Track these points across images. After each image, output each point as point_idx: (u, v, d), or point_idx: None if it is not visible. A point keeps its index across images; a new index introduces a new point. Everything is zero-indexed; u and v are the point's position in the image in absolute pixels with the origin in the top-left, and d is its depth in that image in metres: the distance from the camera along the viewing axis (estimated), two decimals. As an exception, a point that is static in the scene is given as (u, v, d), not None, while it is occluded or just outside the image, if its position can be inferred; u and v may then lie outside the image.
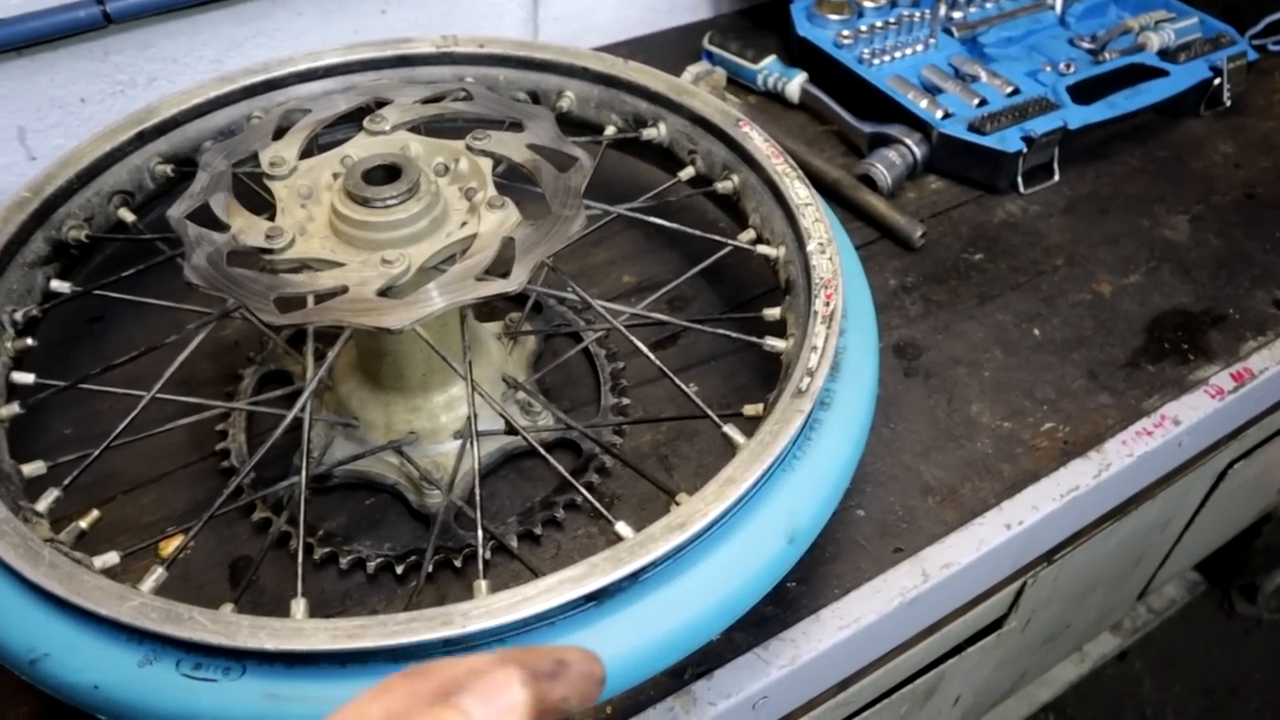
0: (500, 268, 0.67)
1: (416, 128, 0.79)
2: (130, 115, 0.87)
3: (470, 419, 0.70)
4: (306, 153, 0.76)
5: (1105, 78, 1.14)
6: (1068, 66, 1.15)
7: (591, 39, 1.31)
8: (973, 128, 1.07)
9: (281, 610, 0.60)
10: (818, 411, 0.68)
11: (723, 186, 0.87)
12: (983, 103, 1.11)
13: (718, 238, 0.83)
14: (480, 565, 0.64)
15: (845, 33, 1.18)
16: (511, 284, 0.65)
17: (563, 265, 0.96)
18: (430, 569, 0.73)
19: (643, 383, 0.88)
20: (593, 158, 0.75)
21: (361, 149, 0.75)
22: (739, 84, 1.22)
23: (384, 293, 0.65)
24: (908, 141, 1.07)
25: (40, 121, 1.06)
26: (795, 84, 1.17)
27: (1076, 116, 1.08)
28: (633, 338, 0.75)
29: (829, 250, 0.75)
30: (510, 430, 0.74)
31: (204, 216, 0.70)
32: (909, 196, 1.08)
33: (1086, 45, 1.19)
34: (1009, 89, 1.12)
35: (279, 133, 0.77)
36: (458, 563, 0.75)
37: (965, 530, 0.79)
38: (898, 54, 1.17)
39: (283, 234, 0.68)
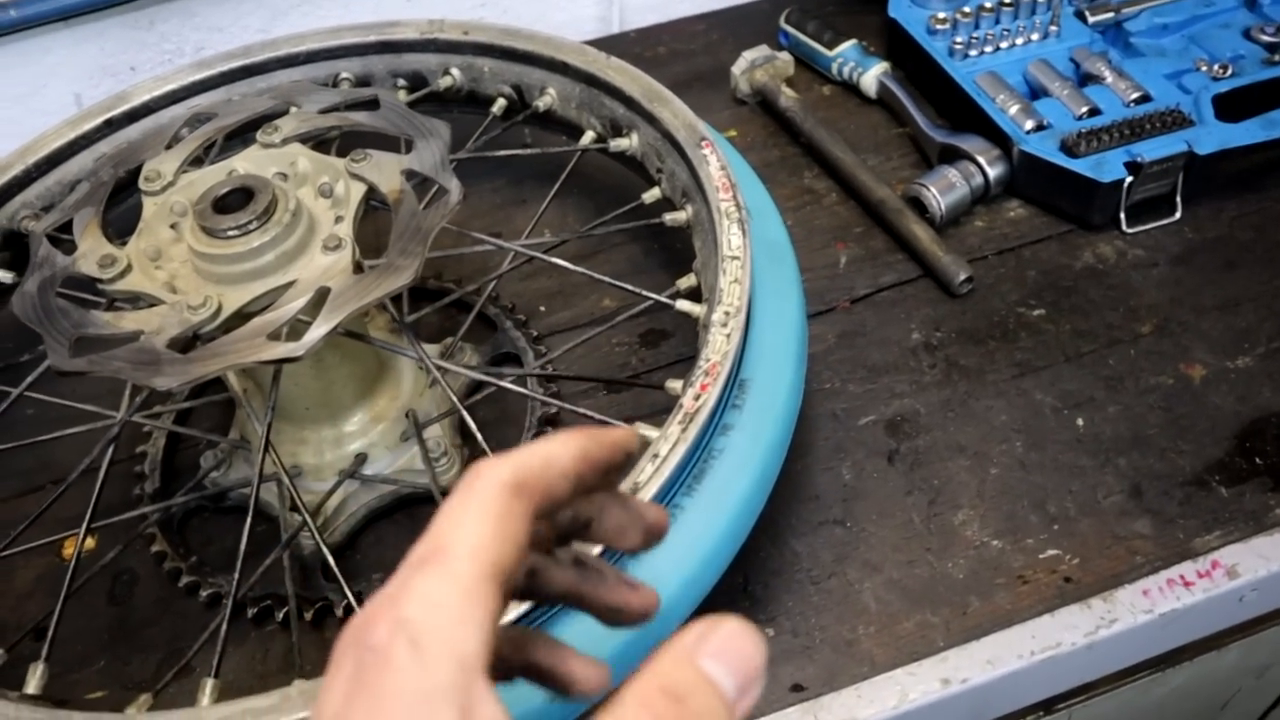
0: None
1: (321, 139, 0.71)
2: (101, 101, 0.86)
3: (437, 378, 0.64)
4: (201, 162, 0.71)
5: (1275, 85, 0.88)
6: (1223, 69, 0.89)
7: (678, 8, 1.17)
8: (1065, 146, 0.85)
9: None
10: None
11: (673, 218, 0.74)
12: (1093, 112, 0.88)
13: (638, 291, 0.70)
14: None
15: (943, 15, 0.97)
16: (298, 349, 0.57)
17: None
18: (280, 618, 0.69)
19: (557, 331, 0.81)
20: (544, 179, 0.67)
21: (250, 162, 0.69)
22: (814, 71, 1.05)
23: (187, 341, 0.59)
24: (980, 159, 0.87)
25: (95, 89, 1.08)
26: (871, 75, 0.99)
27: (1212, 138, 0.83)
28: (554, 259, 0.73)
29: (731, 324, 0.61)
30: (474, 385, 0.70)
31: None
32: (975, 225, 0.89)
33: (1267, 38, 0.92)
34: (1134, 95, 0.89)
35: (174, 142, 0.72)
36: (308, 615, 0.69)
37: (889, 678, 0.64)
38: (1004, 44, 0.95)
39: (115, 262, 0.63)
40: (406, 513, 0.75)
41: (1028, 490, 0.72)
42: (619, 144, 0.80)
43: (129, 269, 0.63)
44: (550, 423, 0.78)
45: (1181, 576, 0.67)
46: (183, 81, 0.86)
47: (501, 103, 0.87)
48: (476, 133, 0.85)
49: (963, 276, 0.82)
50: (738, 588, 0.68)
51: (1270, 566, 0.67)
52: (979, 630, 0.65)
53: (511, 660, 0.38)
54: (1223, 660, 0.80)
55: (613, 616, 0.41)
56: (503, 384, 0.68)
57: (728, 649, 0.32)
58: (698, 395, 0.58)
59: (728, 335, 0.60)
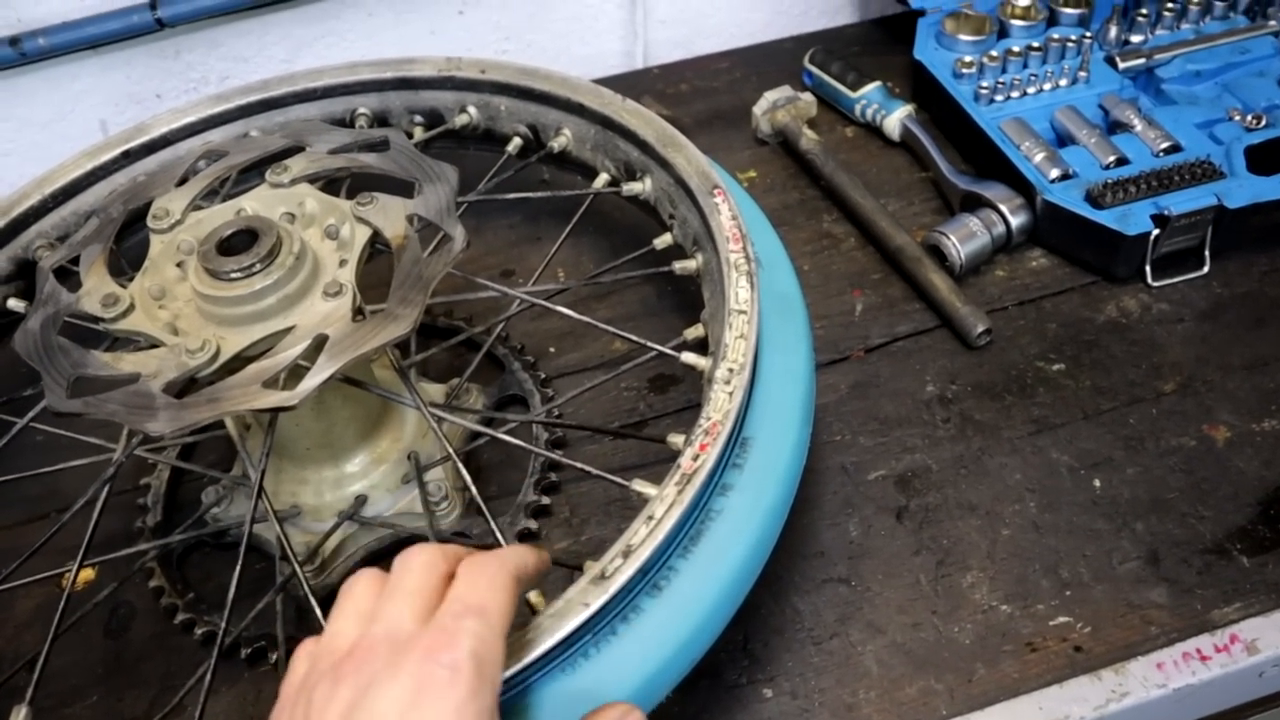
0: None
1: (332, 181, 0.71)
2: (120, 132, 0.86)
3: (436, 432, 0.64)
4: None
5: (1311, 138, 0.86)
6: (1256, 119, 0.87)
7: (703, 44, 1.17)
8: (1090, 196, 0.83)
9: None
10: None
11: (683, 267, 0.73)
12: (1120, 161, 0.86)
13: (642, 342, 0.69)
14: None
15: (969, 58, 0.96)
16: (292, 398, 0.56)
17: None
18: (274, 661, 0.68)
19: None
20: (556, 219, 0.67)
21: (258, 201, 0.69)
22: (837, 112, 1.03)
23: (184, 384, 0.59)
24: (1002, 208, 0.85)
25: (120, 115, 1.09)
26: (895, 119, 0.97)
27: (1243, 191, 0.81)
28: (558, 307, 0.72)
29: (734, 382, 0.59)
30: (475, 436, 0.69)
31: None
32: (996, 274, 0.87)
33: (1304, 89, 0.90)
34: (1164, 145, 0.86)
35: (185, 179, 0.72)
36: None
37: (888, 747, 0.62)
38: (1031, 89, 0.93)
39: (118, 301, 0.62)
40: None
41: (1040, 553, 0.69)
42: (632, 188, 0.79)
43: (131, 308, 0.63)
44: (553, 468, 0.76)
45: (1198, 650, 0.64)
46: (201, 114, 0.87)
47: (517, 142, 0.86)
48: (491, 171, 0.84)
49: (980, 328, 0.80)
50: (737, 645, 0.67)
51: (1294, 643, 0.64)
52: (984, 699, 0.63)
53: None
54: (1243, 734, 0.77)
55: None
56: (499, 435, 0.67)
57: None
58: (696, 455, 0.56)
59: (730, 393, 0.59)
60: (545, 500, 0.75)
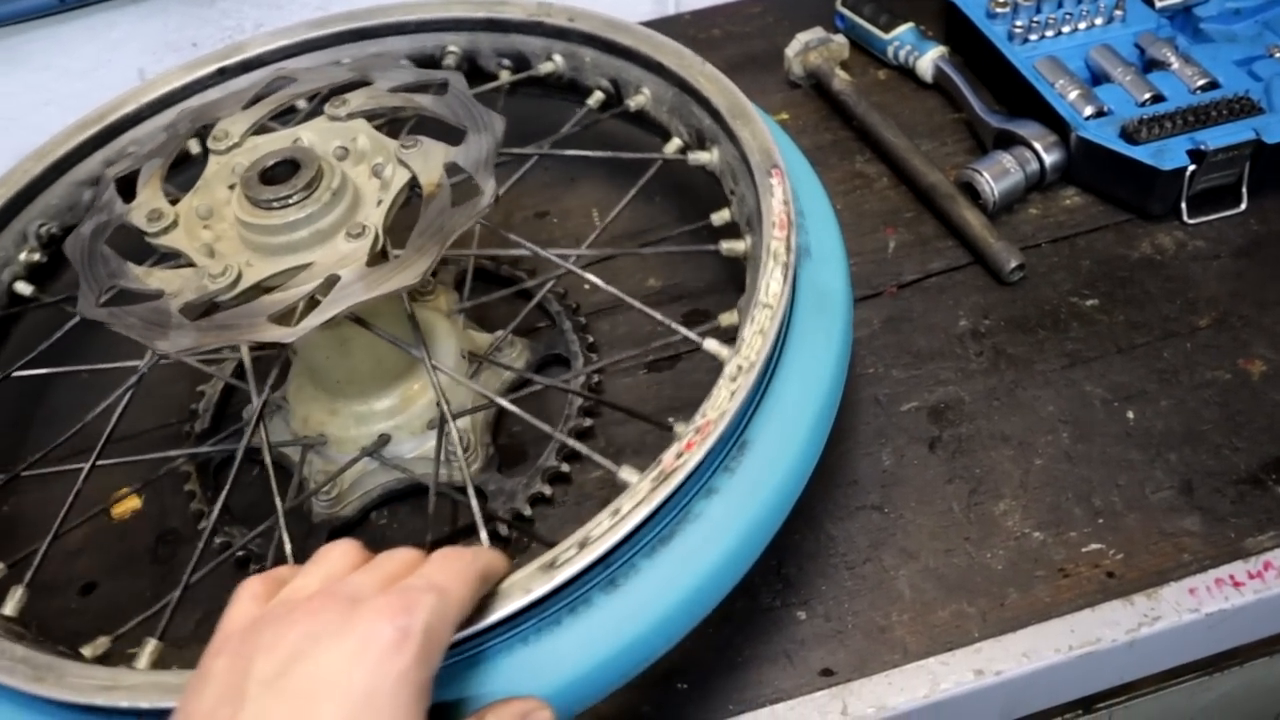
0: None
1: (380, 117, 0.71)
2: (217, 49, 0.88)
3: (440, 402, 0.66)
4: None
5: (1352, 73, 0.85)
6: (1296, 55, 0.86)
7: (739, -12, 1.16)
8: (1125, 133, 0.83)
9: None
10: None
11: (729, 248, 0.71)
12: (1156, 99, 0.85)
13: (667, 323, 0.66)
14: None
15: (1003, -1, 0.95)
16: (288, 335, 0.56)
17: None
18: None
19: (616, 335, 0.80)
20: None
21: (315, 133, 0.69)
22: (869, 54, 1.03)
23: (203, 307, 0.59)
24: (1036, 145, 0.85)
25: (157, 64, 1.10)
26: (927, 60, 0.97)
27: (1280, 127, 0.81)
28: (586, 274, 0.69)
29: (740, 381, 0.56)
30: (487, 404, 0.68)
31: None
32: (1029, 213, 0.87)
33: (1346, 25, 0.89)
34: (1201, 81, 0.86)
35: (254, 101, 0.72)
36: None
37: (920, 667, 0.62)
38: (1066, 29, 0.93)
39: (162, 217, 0.63)
40: (421, 499, 0.75)
41: (1073, 482, 0.70)
42: (699, 157, 0.77)
43: (174, 225, 0.64)
44: (579, 436, 0.76)
45: (1231, 576, 0.64)
46: (298, 38, 0.87)
47: (599, 95, 0.84)
48: (569, 122, 0.84)
49: (1014, 264, 0.80)
50: (771, 569, 0.68)
51: (1326, 569, 0.64)
52: (1016, 622, 0.64)
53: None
54: (1275, 667, 0.77)
55: None
56: (506, 404, 0.66)
57: None
58: (680, 454, 0.54)
59: (732, 392, 0.56)
60: (565, 468, 0.74)
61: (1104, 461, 0.71)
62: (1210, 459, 0.70)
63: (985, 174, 0.84)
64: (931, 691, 0.62)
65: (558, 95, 0.88)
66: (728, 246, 0.71)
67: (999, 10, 0.95)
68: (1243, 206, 0.83)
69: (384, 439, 0.74)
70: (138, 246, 0.64)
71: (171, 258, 0.64)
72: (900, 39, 0.99)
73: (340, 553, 0.48)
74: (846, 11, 1.03)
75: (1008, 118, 0.89)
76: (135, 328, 0.57)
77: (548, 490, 0.73)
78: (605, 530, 0.51)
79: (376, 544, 0.70)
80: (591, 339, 0.83)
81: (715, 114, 0.75)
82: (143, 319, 0.58)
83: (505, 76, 0.87)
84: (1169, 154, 0.80)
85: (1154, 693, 0.74)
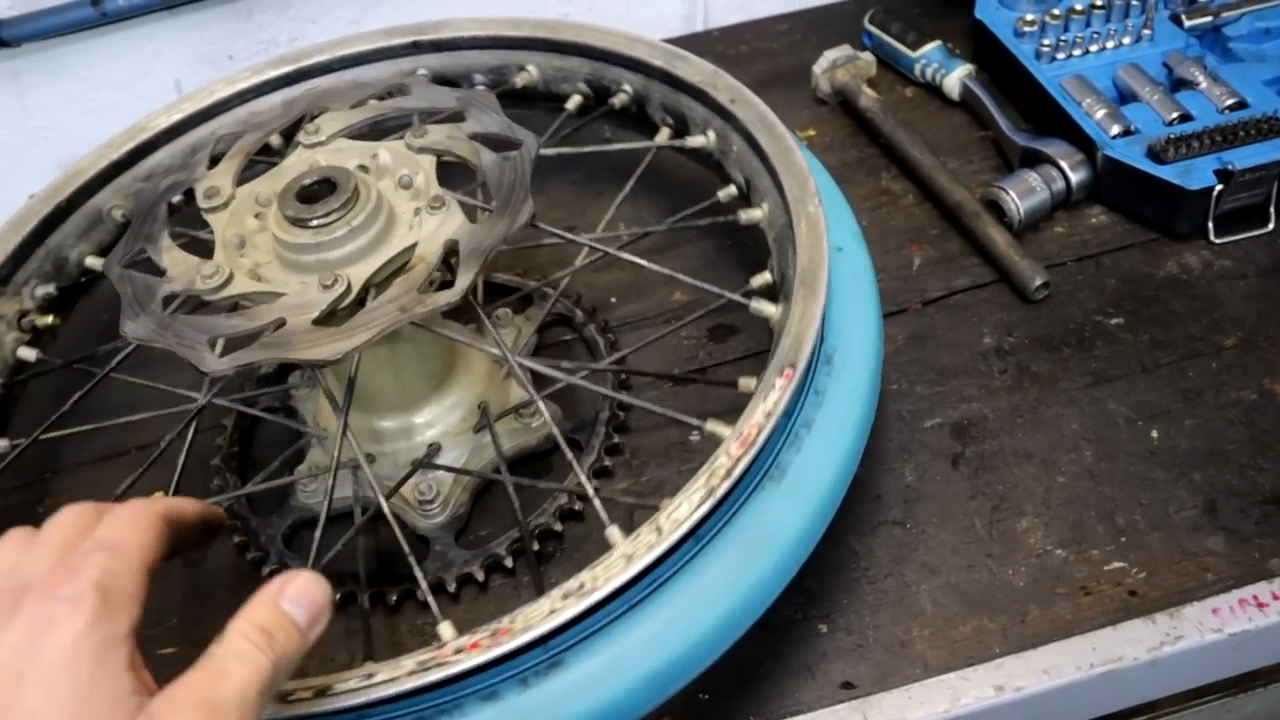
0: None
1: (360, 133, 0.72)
2: (284, 53, 0.89)
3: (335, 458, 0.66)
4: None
5: (1382, 94, 0.85)
6: (1326, 76, 0.86)
7: (762, 7, 1.17)
8: (1152, 152, 0.83)
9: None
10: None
11: (757, 308, 0.68)
12: (1184, 118, 0.86)
13: (713, 289, 0.69)
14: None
15: (1030, 17, 0.95)
16: (455, 294, 0.59)
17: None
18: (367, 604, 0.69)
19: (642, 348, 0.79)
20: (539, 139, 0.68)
21: (300, 166, 0.69)
22: (897, 72, 1.03)
23: (327, 318, 0.61)
24: (1062, 164, 0.85)
25: (194, 75, 1.12)
26: (955, 78, 0.97)
27: (1310, 147, 0.81)
28: (626, 254, 0.71)
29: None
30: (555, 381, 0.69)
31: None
32: (1055, 231, 0.87)
33: (1378, 46, 0.88)
34: (1229, 101, 0.86)
35: (214, 161, 0.73)
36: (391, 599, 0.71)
37: (941, 681, 0.63)
38: (1094, 47, 0.93)
39: (218, 272, 0.63)
40: (483, 500, 0.76)
41: (1096, 500, 0.70)
42: (751, 215, 0.75)
43: (223, 206, 0.67)
44: (622, 408, 0.78)
45: (1255, 597, 0.64)
46: (364, 47, 0.89)
47: (577, 99, 0.86)
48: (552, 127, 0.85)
49: (1038, 282, 0.80)
50: (793, 583, 0.67)
51: (1351, 592, 0.64)
52: (1037, 639, 0.64)
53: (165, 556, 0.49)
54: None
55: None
56: (576, 380, 0.68)
57: (300, 595, 0.46)
58: (672, 517, 0.53)
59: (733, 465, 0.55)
60: (617, 439, 0.76)
61: (1127, 480, 0.71)
62: (1235, 479, 0.70)
63: (1011, 192, 0.84)
64: (952, 706, 0.62)
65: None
66: (756, 307, 0.68)
67: (1026, 29, 0.95)
68: (1270, 226, 0.83)
69: (435, 448, 0.75)
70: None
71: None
72: (927, 57, 0.99)
73: (7, 543, 0.47)
74: (874, 29, 1.04)
75: (1034, 136, 0.89)
76: (181, 349, 0.59)
77: (608, 462, 0.75)
78: (589, 587, 0.52)
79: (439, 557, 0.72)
80: (606, 320, 0.84)
81: (764, 159, 0.72)
82: (131, 296, 0.60)
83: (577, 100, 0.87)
84: (1196, 174, 0.81)
85: (1176, 713, 0.73)
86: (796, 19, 1.14)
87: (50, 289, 0.80)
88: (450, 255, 0.63)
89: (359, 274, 0.62)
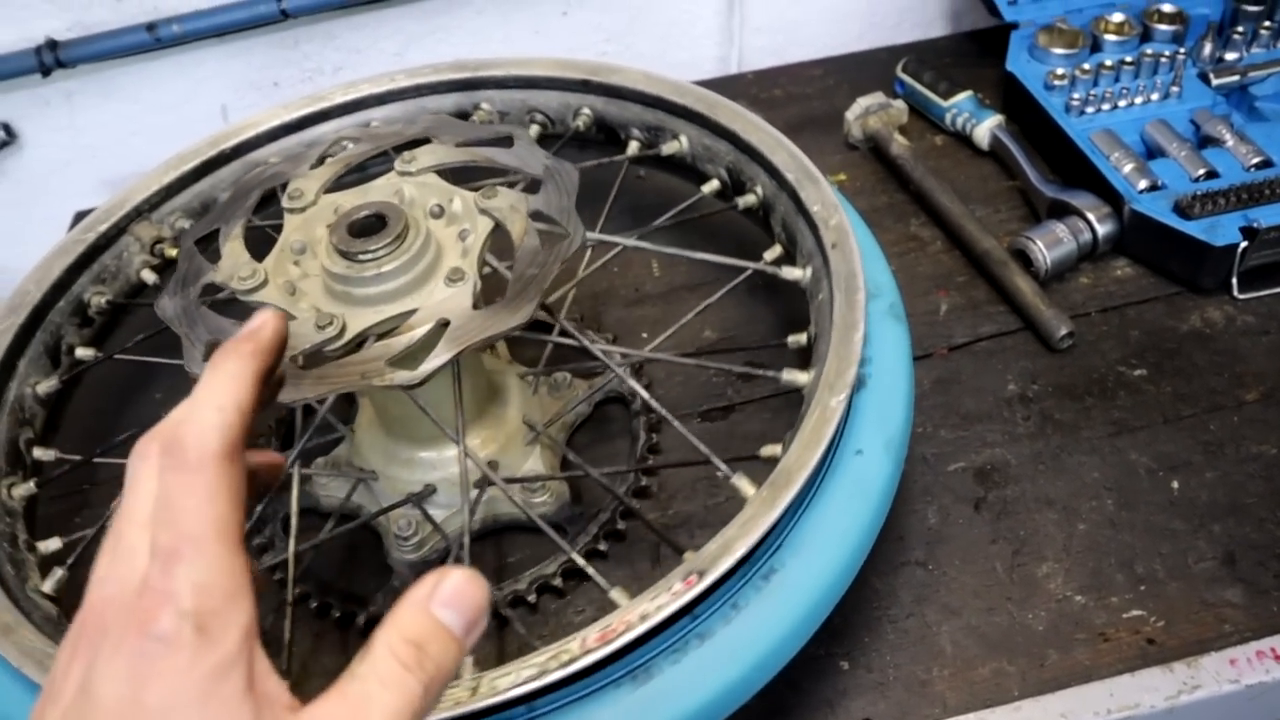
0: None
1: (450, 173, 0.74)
2: (341, 85, 0.91)
3: (463, 485, 0.66)
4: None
5: (1407, 158, 0.86)
6: (1351, 139, 0.88)
7: (797, 53, 1.20)
8: (1178, 208, 0.85)
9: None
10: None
11: (790, 379, 0.69)
12: (1210, 175, 0.87)
13: (756, 371, 0.70)
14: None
15: (1061, 71, 0.98)
16: (413, 377, 0.59)
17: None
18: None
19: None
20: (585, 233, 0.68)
21: (300, 228, 0.70)
22: (927, 120, 1.06)
23: (312, 358, 0.62)
24: (1089, 216, 0.87)
25: (240, 101, 1.16)
26: (985, 128, 0.99)
27: (1334, 208, 0.82)
28: (630, 380, 0.70)
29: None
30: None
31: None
32: (1080, 282, 0.88)
33: (1402, 110, 0.90)
34: (1256, 159, 0.88)
35: (321, 160, 0.75)
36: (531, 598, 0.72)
37: (959, 722, 0.64)
38: (1122, 103, 0.95)
39: (254, 275, 0.65)
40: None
41: (1116, 549, 0.71)
42: (791, 272, 0.77)
43: (264, 283, 0.66)
44: (652, 450, 0.80)
45: (1273, 649, 0.65)
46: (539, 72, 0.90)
47: (714, 184, 0.86)
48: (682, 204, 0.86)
49: (1064, 331, 0.82)
50: (815, 619, 0.69)
51: (1369, 648, 0.65)
52: (1055, 683, 0.65)
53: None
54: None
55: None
56: (530, 515, 0.68)
57: (455, 597, 0.40)
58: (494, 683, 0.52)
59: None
60: (644, 482, 0.78)
61: (1147, 529, 0.72)
62: (1254, 532, 0.71)
63: (1039, 242, 0.86)
64: (969, 747, 0.63)
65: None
66: (789, 378, 0.69)
67: (1057, 83, 0.97)
68: (1292, 284, 0.85)
69: (429, 489, 0.75)
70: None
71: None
72: (959, 106, 1.01)
73: (133, 512, 0.39)
74: (907, 78, 1.06)
75: (1062, 188, 0.91)
76: (187, 337, 0.61)
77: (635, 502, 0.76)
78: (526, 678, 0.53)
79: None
80: (652, 419, 0.83)
81: (819, 239, 0.73)
82: (184, 274, 0.63)
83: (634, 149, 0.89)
84: (1221, 230, 0.82)
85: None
86: (830, 64, 1.16)
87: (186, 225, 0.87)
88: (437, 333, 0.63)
89: (359, 322, 0.63)
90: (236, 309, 0.65)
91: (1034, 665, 0.66)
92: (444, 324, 0.62)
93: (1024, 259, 0.87)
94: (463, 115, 0.92)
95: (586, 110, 0.90)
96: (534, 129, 0.91)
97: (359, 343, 0.63)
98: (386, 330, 0.64)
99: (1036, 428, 0.79)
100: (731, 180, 0.84)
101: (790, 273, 0.76)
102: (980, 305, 0.88)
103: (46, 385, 0.79)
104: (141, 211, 0.86)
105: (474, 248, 0.67)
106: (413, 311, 0.64)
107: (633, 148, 0.89)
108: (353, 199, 0.70)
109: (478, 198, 0.69)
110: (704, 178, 0.86)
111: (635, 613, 0.54)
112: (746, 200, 0.82)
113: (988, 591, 0.70)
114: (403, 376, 0.60)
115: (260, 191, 0.74)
